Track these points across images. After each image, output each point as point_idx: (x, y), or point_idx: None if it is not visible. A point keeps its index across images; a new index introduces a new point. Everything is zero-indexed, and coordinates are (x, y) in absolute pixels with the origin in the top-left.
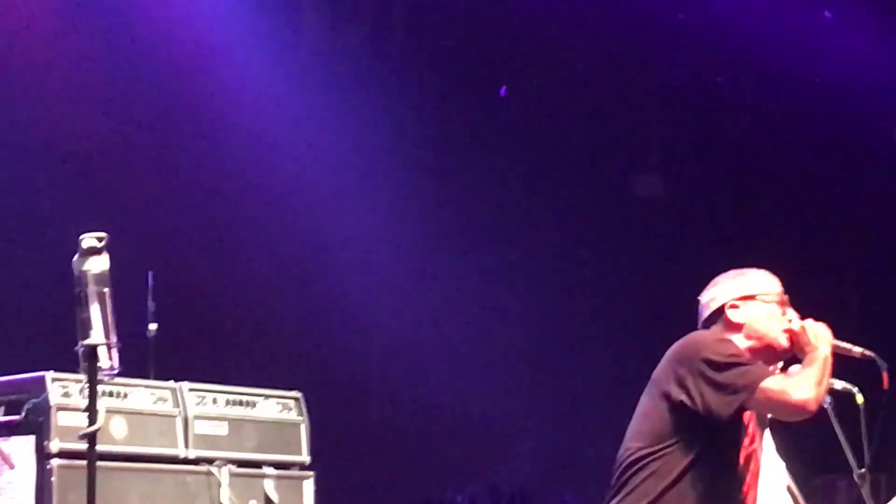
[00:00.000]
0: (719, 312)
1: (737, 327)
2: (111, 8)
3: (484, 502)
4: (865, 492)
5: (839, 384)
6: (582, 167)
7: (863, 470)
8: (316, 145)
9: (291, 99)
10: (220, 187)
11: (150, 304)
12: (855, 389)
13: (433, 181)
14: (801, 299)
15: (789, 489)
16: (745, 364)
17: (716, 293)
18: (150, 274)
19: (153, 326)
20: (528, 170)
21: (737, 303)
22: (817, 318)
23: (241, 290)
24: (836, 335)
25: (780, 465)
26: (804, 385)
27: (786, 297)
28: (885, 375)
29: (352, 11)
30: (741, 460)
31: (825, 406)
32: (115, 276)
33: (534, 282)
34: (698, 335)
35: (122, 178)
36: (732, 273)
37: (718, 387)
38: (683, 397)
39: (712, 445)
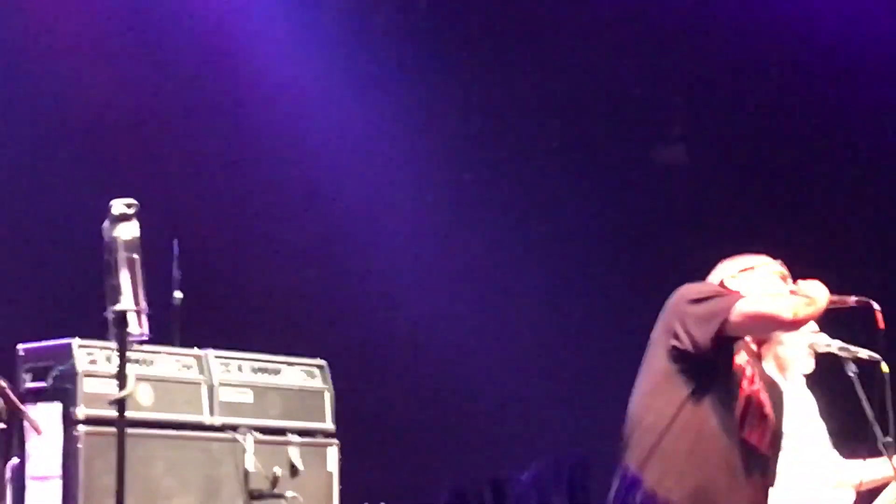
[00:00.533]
0: (720, 285)
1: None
2: None
3: (548, 477)
4: (891, 461)
5: (864, 353)
6: (607, 141)
7: (888, 438)
8: (341, 118)
9: (318, 72)
10: (246, 158)
11: (176, 272)
12: (879, 357)
13: (458, 154)
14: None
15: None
16: (723, 294)
17: (718, 272)
18: (175, 242)
19: (178, 294)
20: (552, 144)
21: (736, 275)
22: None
23: (266, 259)
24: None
25: (823, 434)
26: (780, 300)
27: (786, 273)
28: (878, 315)
29: None
30: (741, 402)
31: (850, 375)
32: (141, 244)
33: (570, 252)
34: (683, 286)
35: (151, 147)
36: (734, 257)
37: (699, 318)
38: (674, 342)
39: (705, 388)
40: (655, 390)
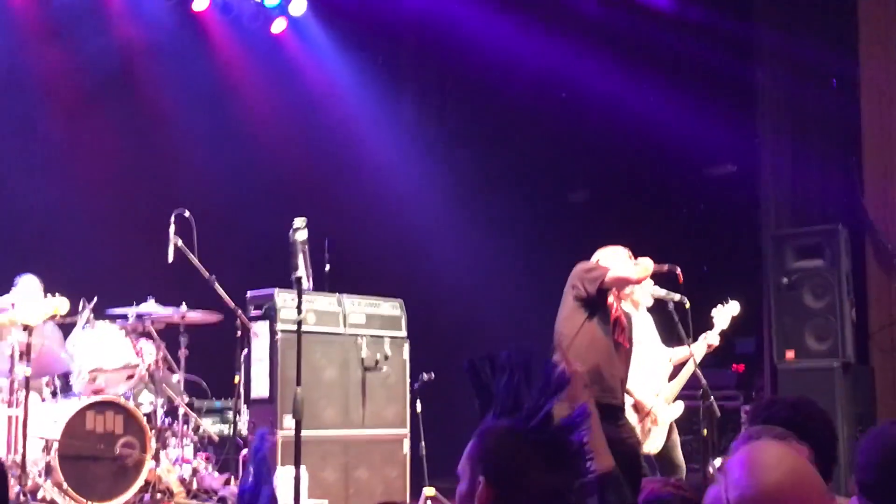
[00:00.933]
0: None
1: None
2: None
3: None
4: (689, 347)
5: (676, 295)
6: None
7: (689, 339)
8: (401, 152)
9: (384, 138)
10: (356, 191)
11: (326, 256)
12: (683, 298)
13: (474, 158)
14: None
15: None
16: (601, 268)
17: (597, 255)
18: (326, 241)
19: (328, 267)
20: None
21: (605, 256)
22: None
23: (367, 244)
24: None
25: (657, 338)
26: (628, 270)
27: (630, 254)
28: (679, 274)
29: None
30: (612, 320)
31: (670, 307)
32: (308, 242)
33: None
34: (581, 263)
35: (310, 186)
36: (604, 247)
37: (590, 280)
38: (576, 292)
39: (594, 314)
40: (568, 317)
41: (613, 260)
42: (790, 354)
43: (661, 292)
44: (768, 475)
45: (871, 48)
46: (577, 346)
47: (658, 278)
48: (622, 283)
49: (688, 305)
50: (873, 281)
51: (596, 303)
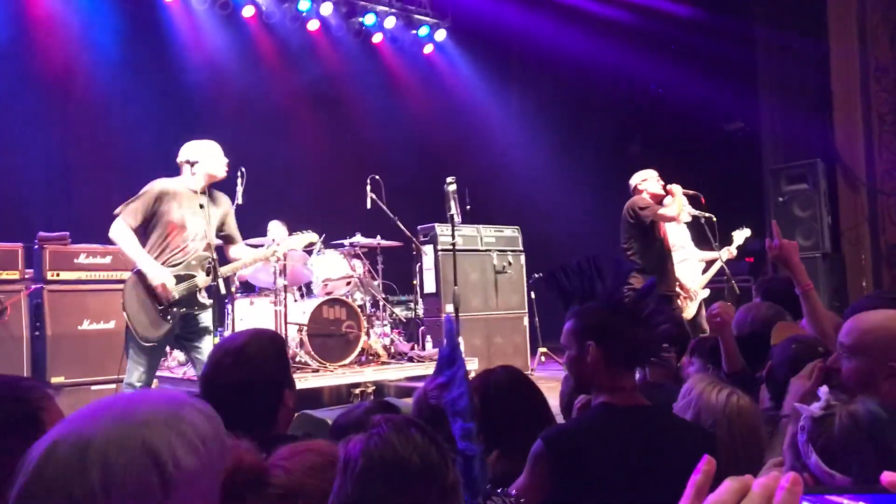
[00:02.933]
0: (634, 189)
1: (640, 191)
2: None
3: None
4: (717, 252)
5: (697, 212)
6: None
7: (715, 245)
8: (512, 129)
9: (500, 120)
10: (485, 156)
11: (468, 199)
12: (711, 215)
13: (562, 128)
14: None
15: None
16: (651, 205)
17: (638, 175)
18: (467, 189)
19: (468, 207)
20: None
21: (645, 179)
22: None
23: (494, 191)
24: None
25: (692, 244)
26: (670, 210)
27: (659, 177)
28: (702, 197)
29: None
30: (661, 236)
31: (702, 221)
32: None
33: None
34: (633, 198)
35: (454, 161)
36: (643, 171)
37: (643, 214)
38: (632, 220)
39: (646, 233)
40: (630, 237)
41: (650, 185)
42: (795, 242)
43: (696, 212)
44: (870, 318)
45: (837, 30)
46: (639, 256)
47: (688, 199)
48: (666, 219)
49: (714, 220)
50: (843, 197)
51: (648, 227)
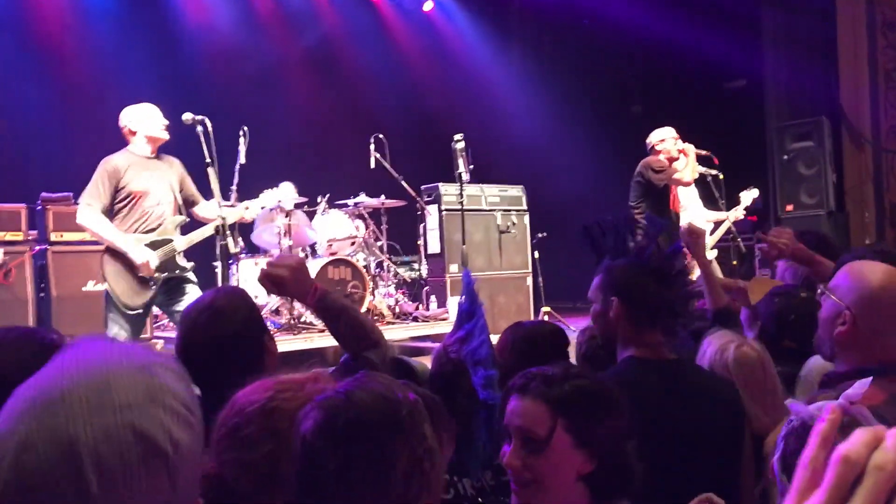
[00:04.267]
0: (651, 148)
1: (658, 151)
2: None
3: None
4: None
5: (712, 171)
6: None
7: (722, 202)
8: (514, 87)
9: (502, 79)
10: (489, 115)
11: (471, 158)
12: (718, 173)
13: (565, 87)
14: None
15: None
16: (666, 168)
17: (656, 134)
18: (469, 149)
19: (471, 166)
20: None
21: (662, 139)
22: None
23: (498, 150)
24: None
25: (700, 204)
26: (685, 175)
27: (677, 136)
28: (714, 158)
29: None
30: (672, 199)
31: (709, 180)
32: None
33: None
34: (647, 158)
35: (454, 118)
36: (662, 128)
37: (656, 177)
38: (644, 180)
39: (657, 193)
40: (641, 195)
41: (666, 145)
42: (790, 207)
43: (703, 169)
44: (873, 276)
45: None
46: (648, 207)
47: (699, 158)
48: (681, 184)
49: (721, 177)
50: (847, 154)
51: (661, 189)
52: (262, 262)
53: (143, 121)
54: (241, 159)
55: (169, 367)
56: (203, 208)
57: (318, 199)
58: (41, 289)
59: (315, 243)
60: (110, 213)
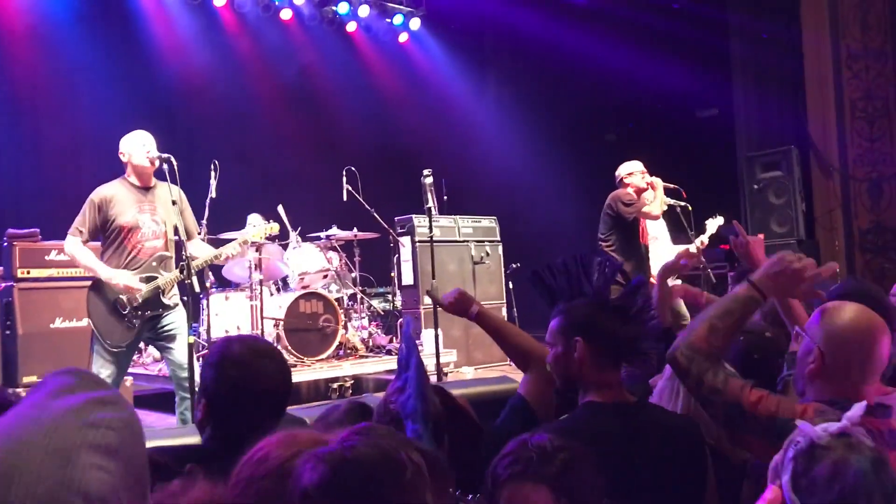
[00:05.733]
0: (620, 181)
1: (626, 184)
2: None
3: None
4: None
5: (681, 203)
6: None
7: (693, 234)
8: (488, 118)
9: (476, 110)
10: (461, 147)
11: (444, 190)
12: (686, 204)
13: (539, 118)
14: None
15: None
16: (635, 201)
17: (624, 167)
18: (443, 180)
19: (445, 198)
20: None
21: (631, 173)
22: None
23: (470, 181)
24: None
25: (668, 237)
26: (653, 208)
27: (644, 170)
28: (682, 191)
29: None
30: (641, 232)
31: (678, 211)
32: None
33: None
34: (617, 191)
35: (431, 152)
36: (629, 161)
37: (625, 211)
38: (613, 213)
39: (626, 226)
40: (610, 229)
41: (635, 180)
42: (761, 236)
43: (671, 201)
44: (840, 316)
45: (809, 17)
46: (618, 250)
47: (667, 191)
48: (649, 217)
49: (690, 209)
50: (816, 183)
51: (629, 222)
52: (233, 297)
53: (131, 149)
54: (212, 193)
55: (106, 424)
56: (193, 245)
57: (290, 232)
58: (7, 326)
59: (287, 276)
60: (101, 246)
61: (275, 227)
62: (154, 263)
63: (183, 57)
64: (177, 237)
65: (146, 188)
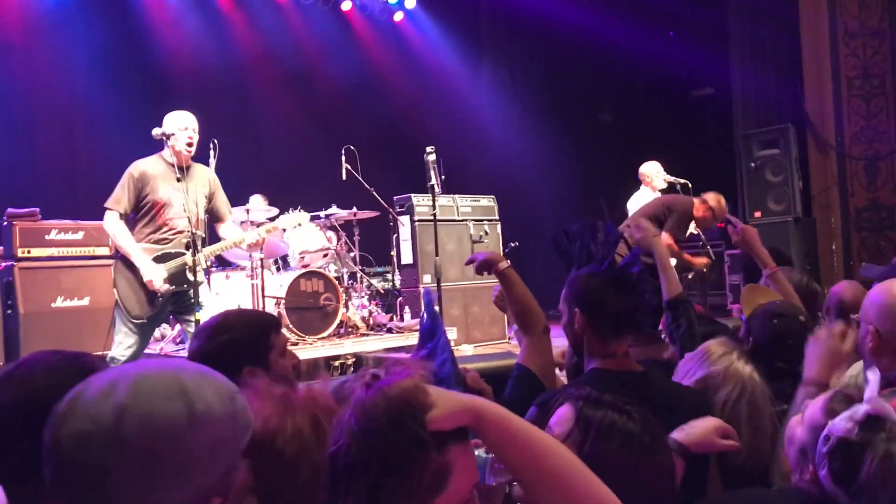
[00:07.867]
0: (644, 180)
1: (649, 183)
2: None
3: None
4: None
5: (681, 180)
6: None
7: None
8: (485, 98)
9: (472, 89)
10: (460, 125)
11: (443, 169)
12: (686, 181)
13: (534, 97)
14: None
15: None
16: (676, 226)
17: (646, 167)
18: (441, 159)
19: (443, 177)
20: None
21: (647, 179)
22: None
23: (470, 160)
24: None
25: None
26: (672, 257)
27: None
28: (689, 185)
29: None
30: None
31: (677, 188)
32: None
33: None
34: (684, 204)
35: (423, 130)
36: (649, 161)
37: (670, 227)
38: (661, 216)
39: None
40: (647, 215)
41: (659, 182)
42: (758, 214)
43: (671, 178)
44: (888, 292)
45: None
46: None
47: (668, 171)
48: (661, 251)
49: (690, 186)
50: (813, 161)
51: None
52: (234, 276)
53: (172, 129)
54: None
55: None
56: (225, 228)
57: (290, 211)
58: (8, 306)
59: (287, 255)
60: (132, 218)
61: (305, 217)
62: (184, 239)
63: (180, 36)
64: (206, 216)
65: (182, 167)
